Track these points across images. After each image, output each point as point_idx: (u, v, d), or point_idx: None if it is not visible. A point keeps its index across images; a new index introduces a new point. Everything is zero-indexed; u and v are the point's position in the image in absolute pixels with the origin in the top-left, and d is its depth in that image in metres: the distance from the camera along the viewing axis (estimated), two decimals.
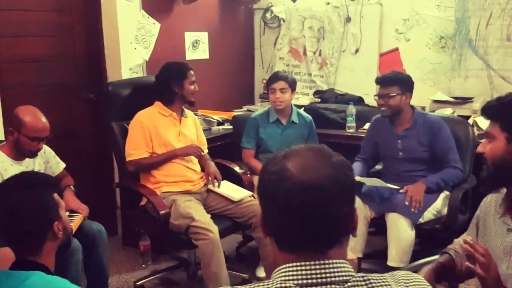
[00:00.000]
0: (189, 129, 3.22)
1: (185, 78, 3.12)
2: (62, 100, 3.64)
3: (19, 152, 2.58)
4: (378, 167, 3.47)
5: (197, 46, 4.45)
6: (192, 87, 3.16)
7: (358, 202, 3.12)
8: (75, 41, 3.71)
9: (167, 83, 3.12)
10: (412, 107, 3.23)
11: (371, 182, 3.05)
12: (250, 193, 3.09)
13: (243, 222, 2.99)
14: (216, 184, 3.10)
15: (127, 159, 3.02)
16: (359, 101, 4.16)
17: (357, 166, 3.32)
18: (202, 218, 2.76)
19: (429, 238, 3.09)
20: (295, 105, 4.65)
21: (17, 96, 3.32)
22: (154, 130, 3.06)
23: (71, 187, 2.83)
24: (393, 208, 2.96)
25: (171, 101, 3.15)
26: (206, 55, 4.56)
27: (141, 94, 3.26)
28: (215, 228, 2.73)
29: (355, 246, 3.11)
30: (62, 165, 2.91)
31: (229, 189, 3.10)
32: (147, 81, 3.31)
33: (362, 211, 3.09)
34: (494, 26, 3.97)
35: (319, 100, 4.41)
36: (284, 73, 3.61)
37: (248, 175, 3.45)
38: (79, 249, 2.50)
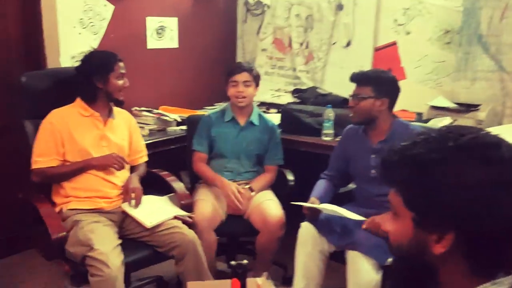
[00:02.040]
0: (117, 132, 2.67)
1: (111, 70, 2.57)
2: None
3: None
4: (352, 186, 2.86)
5: (162, 33, 3.88)
6: (121, 82, 2.61)
7: (312, 232, 2.53)
8: (8, 21, 3.18)
9: (88, 76, 2.57)
10: (394, 115, 2.60)
11: (329, 209, 2.45)
12: (172, 215, 2.52)
13: (165, 252, 2.43)
14: (133, 203, 2.53)
15: (32, 167, 2.49)
16: (342, 103, 3.51)
17: (320, 185, 2.72)
18: (102, 247, 2.21)
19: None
20: (269, 104, 4.13)
21: None
22: (67, 133, 2.52)
23: None
24: (354, 245, 2.35)
25: (94, 99, 2.60)
26: (174, 44, 3.99)
27: (64, 88, 2.70)
28: (115, 262, 2.18)
29: (308, 286, 2.53)
30: None
31: (146, 211, 2.53)
32: (73, 72, 2.73)
33: (318, 244, 2.51)
34: (509, 19, 3.28)
35: (298, 100, 3.80)
36: (248, 64, 3.02)
37: (201, 184, 2.91)
38: None
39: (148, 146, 3.19)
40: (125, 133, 2.72)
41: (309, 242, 2.53)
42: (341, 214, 2.41)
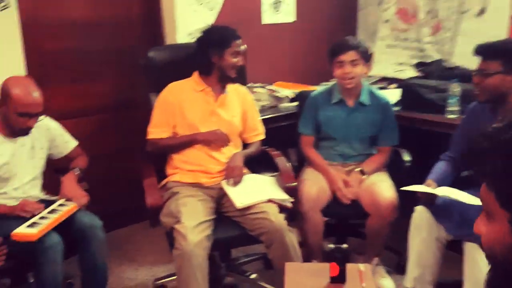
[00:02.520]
0: (228, 108, 2.64)
1: (227, 46, 2.53)
2: (116, 67, 3.29)
3: (10, 129, 2.26)
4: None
5: (278, 7, 3.80)
6: (235, 59, 2.56)
7: (427, 217, 2.31)
8: (132, 1, 3.30)
9: (205, 50, 2.56)
10: None
11: (446, 194, 2.21)
12: (266, 198, 2.42)
13: (256, 236, 2.36)
14: (231, 181, 2.49)
15: (147, 137, 2.57)
16: (471, 77, 3.16)
17: (439, 167, 2.47)
18: (187, 221, 2.21)
19: None
20: (391, 79, 3.85)
21: (62, 63, 3.06)
22: (179, 107, 2.55)
23: (75, 170, 2.46)
24: (472, 237, 2.10)
25: (208, 73, 2.60)
26: (291, 18, 3.89)
27: (185, 62, 2.72)
28: (195, 237, 2.17)
29: (423, 275, 2.33)
30: (72, 144, 2.56)
31: (243, 190, 2.46)
32: (193, 47, 2.73)
33: (434, 230, 2.29)
34: None
35: (421, 74, 3.51)
36: (354, 40, 2.78)
37: (308, 167, 2.81)
38: (55, 247, 2.12)
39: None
40: (238, 109, 2.68)
41: (424, 228, 2.32)
42: (459, 200, 2.17)
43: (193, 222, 2.22)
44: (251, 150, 2.71)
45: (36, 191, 2.39)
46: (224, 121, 2.61)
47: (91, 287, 2.35)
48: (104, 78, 3.25)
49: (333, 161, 2.82)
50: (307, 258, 2.74)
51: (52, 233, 2.15)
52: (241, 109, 2.70)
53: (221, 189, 2.50)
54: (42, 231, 2.09)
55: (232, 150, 2.62)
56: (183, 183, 2.49)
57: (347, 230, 3.02)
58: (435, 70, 3.50)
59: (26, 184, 2.34)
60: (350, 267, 1.89)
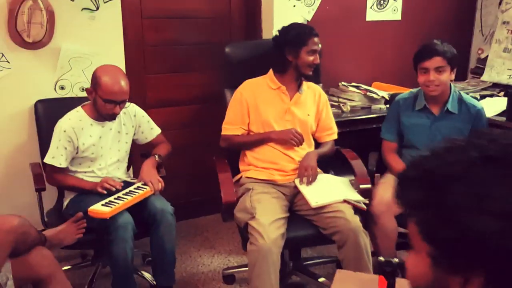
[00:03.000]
0: (303, 107, 2.62)
1: (303, 45, 2.51)
2: (212, 61, 3.39)
3: (98, 114, 2.45)
4: None
5: (384, 4, 3.65)
6: (311, 58, 2.53)
7: None
8: None
9: (281, 48, 2.57)
10: None
11: None
12: (341, 198, 2.36)
13: (328, 235, 2.31)
14: (305, 180, 2.45)
15: (221, 133, 2.63)
16: None
17: None
18: (263, 218, 2.22)
19: None
20: (505, 86, 3.53)
21: (160, 54, 3.23)
22: (253, 104, 2.57)
23: (156, 156, 2.60)
24: None
25: (284, 71, 2.60)
26: (397, 16, 3.73)
27: (262, 59, 2.76)
28: (271, 234, 2.17)
29: None
30: (157, 131, 2.70)
31: (317, 189, 2.42)
32: (271, 44, 2.77)
33: None
34: None
35: None
36: (441, 44, 2.56)
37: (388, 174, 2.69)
38: (126, 226, 2.26)
39: (345, 123, 3.10)
40: (312, 108, 2.65)
41: None
42: None
43: (268, 219, 2.24)
44: (324, 149, 2.67)
45: (119, 173, 2.56)
46: (299, 120, 2.59)
47: (160, 268, 2.47)
48: (200, 70, 3.37)
49: None
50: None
51: (125, 213, 2.30)
52: (315, 108, 2.66)
53: (295, 187, 2.49)
54: (115, 211, 2.25)
55: (306, 149, 2.60)
56: (257, 179, 2.51)
57: None
58: None
59: (110, 166, 2.52)
60: (400, 282, 1.78)
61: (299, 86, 2.62)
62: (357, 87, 3.44)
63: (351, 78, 3.58)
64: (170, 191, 3.28)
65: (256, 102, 2.57)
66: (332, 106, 3.27)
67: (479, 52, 3.93)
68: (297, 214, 2.44)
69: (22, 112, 2.74)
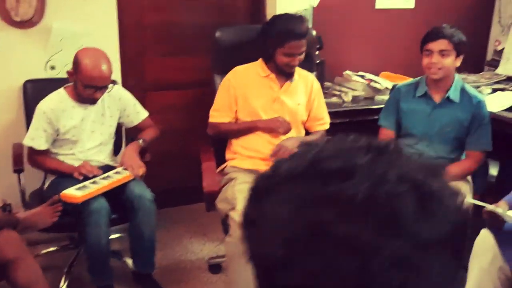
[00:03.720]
0: (294, 96, 2.52)
1: (280, 45, 2.40)
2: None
3: (79, 97, 2.40)
4: None
5: None
6: (286, 60, 2.42)
7: (490, 243, 1.98)
8: None
9: (265, 39, 2.47)
10: None
11: None
12: None
13: None
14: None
15: (209, 120, 2.56)
16: None
17: None
18: None
19: None
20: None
21: (159, 36, 3.16)
22: (242, 92, 2.48)
23: (140, 141, 2.54)
24: None
25: (270, 60, 2.50)
26: (410, 4, 3.57)
27: (251, 45, 2.65)
28: None
29: None
30: (143, 115, 2.64)
31: None
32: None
33: (497, 259, 1.95)
34: None
35: None
36: (450, 28, 2.43)
37: None
38: (99, 211, 2.22)
39: (345, 113, 2.99)
40: (303, 98, 2.55)
41: (485, 256, 1.99)
42: None
43: None
44: (312, 137, 2.56)
45: (101, 157, 2.52)
46: (288, 109, 2.50)
47: (138, 255, 2.43)
48: (199, 53, 3.29)
49: None
50: None
51: (100, 198, 2.26)
52: (306, 97, 2.56)
53: None
54: (88, 195, 2.21)
55: (289, 136, 2.49)
56: (241, 168, 2.44)
57: None
58: None
59: (92, 149, 2.48)
60: None
61: (288, 74, 2.52)
62: (362, 76, 3.31)
63: (358, 67, 3.44)
64: (167, 176, 3.27)
65: (244, 90, 2.49)
66: (333, 95, 3.16)
67: (496, 43, 3.73)
68: None
69: (11, 91, 2.71)
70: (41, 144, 2.37)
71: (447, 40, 2.36)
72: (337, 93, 3.16)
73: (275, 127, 2.42)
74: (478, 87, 3.37)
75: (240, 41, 2.71)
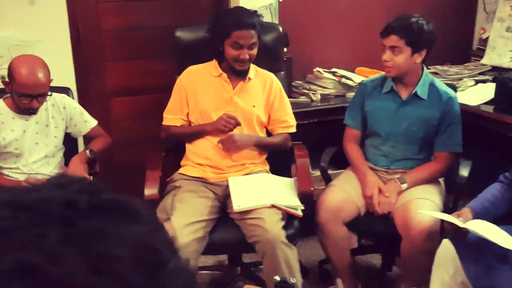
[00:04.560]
0: (248, 97, 2.37)
1: (226, 37, 2.26)
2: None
3: (17, 107, 2.28)
4: None
5: None
6: (236, 53, 2.26)
7: (452, 254, 1.80)
8: None
9: (214, 34, 2.33)
10: None
11: (476, 227, 1.70)
12: (269, 203, 2.10)
13: (252, 244, 2.06)
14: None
15: (162, 122, 2.43)
16: None
17: (489, 192, 1.91)
18: (178, 220, 2.00)
19: None
20: (506, 70, 3.12)
21: (120, 40, 3.02)
22: (193, 93, 2.35)
23: (88, 151, 2.42)
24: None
25: (222, 59, 2.36)
26: None
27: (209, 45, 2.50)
28: (182, 239, 1.93)
29: None
30: (92, 123, 2.51)
31: (248, 191, 2.16)
32: None
33: (459, 272, 1.78)
34: None
35: None
36: (409, 20, 2.23)
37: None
38: None
39: (313, 113, 2.83)
40: (260, 98, 2.39)
41: (447, 268, 1.82)
42: (491, 240, 1.64)
43: (183, 222, 2.02)
44: (272, 139, 2.43)
45: (49, 169, 2.38)
46: (242, 111, 2.34)
47: None
48: (163, 56, 3.15)
49: (377, 165, 2.39)
50: (333, 276, 2.42)
51: None
52: (264, 98, 2.40)
53: (228, 186, 2.25)
54: None
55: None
56: (188, 176, 2.30)
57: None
58: None
59: (37, 162, 2.35)
60: None
61: (242, 73, 2.36)
62: (333, 73, 3.14)
63: (332, 63, 3.27)
64: (128, 185, 3.12)
65: (195, 91, 2.35)
66: (302, 94, 3.00)
67: (481, 32, 3.53)
68: (230, 217, 2.20)
69: None
70: None
71: (397, 36, 2.18)
72: (307, 92, 3.00)
73: (220, 127, 2.27)
74: (460, 79, 3.19)
75: (201, 40, 2.54)
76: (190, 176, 2.29)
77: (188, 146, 2.39)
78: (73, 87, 2.80)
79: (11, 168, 2.33)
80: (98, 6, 2.95)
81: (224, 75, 2.35)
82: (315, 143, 2.65)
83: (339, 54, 3.33)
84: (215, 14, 2.37)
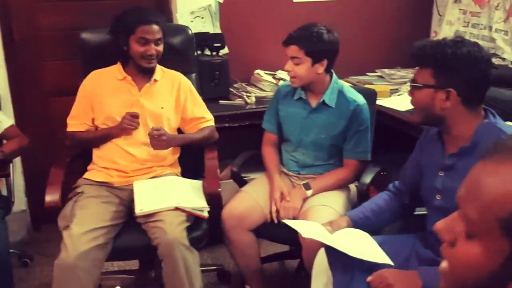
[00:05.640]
0: (155, 99, 2.33)
1: (131, 33, 2.22)
2: None
3: None
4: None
5: None
6: (143, 49, 2.23)
7: (325, 267, 1.76)
8: None
9: (115, 37, 2.31)
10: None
11: (331, 240, 1.66)
12: (172, 205, 2.06)
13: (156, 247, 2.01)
14: (141, 183, 2.21)
15: (67, 129, 2.39)
16: None
17: (374, 201, 1.87)
18: (77, 227, 1.96)
19: None
20: None
21: (57, 39, 3.01)
22: (98, 97, 2.31)
23: None
24: None
25: (126, 61, 2.33)
26: None
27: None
28: (79, 247, 1.90)
29: None
30: (6, 124, 2.50)
31: (153, 194, 2.13)
32: None
33: (331, 285, 1.73)
34: None
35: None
36: (310, 29, 2.16)
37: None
38: None
39: (246, 116, 2.79)
40: (169, 99, 2.36)
41: (322, 275, 1.77)
42: (347, 253, 1.60)
43: (82, 229, 1.97)
44: (198, 134, 2.39)
45: None
46: (150, 113, 2.31)
47: None
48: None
49: (289, 169, 2.35)
50: (242, 283, 2.38)
51: None
52: (173, 99, 2.37)
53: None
54: None
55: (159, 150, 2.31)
56: (93, 181, 2.25)
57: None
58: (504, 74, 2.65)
59: None
60: None
61: (147, 75, 2.34)
62: (272, 75, 3.10)
63: (278, 65, 3.21)
64: None
65: (100, 95, 2.31)
66: (238, 97, 2.97)
67: (433, 35, 3.46)
68: (137, 221, 2.16)
69: None
70: None
71: (297, 47, 2.13)
72: (243, 94, 2.96)
73: (125, 126, 2.24)
74: (404, 83, 3.13)
75: (104, 43, 2.45)
76: (94, 181, 2.25)
77: (94, 151, 2.34)
78: (6, 89, 2.83)
79: None
80: (34, 5, 2.94)
81: (129, 77, 2.31)
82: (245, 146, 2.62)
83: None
84: (114, 15, 2.33)
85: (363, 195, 2.16)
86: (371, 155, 2.28)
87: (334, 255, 1.70)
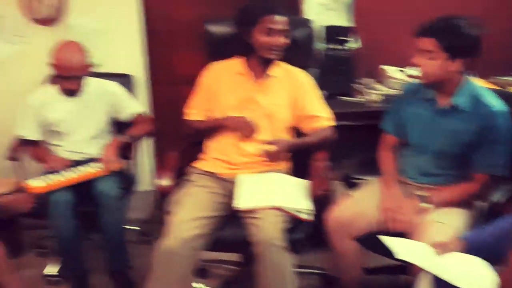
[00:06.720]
0: (272, 95, 2.26)
1: (254, 24, 2.15)
2: None
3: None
4: None
5: None
6: (268, 39, 2.16)
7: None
8: None
9: (239, 29, 2.25)
10: None
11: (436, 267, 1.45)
12: (273, 205, 2.00)
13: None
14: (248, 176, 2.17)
15: (184, 117, 2.43)
16: None
17: (501, 225, 1.61)
18: (180, 215, 2.00)
19: None
20: None
21: (192, 30, 3.07)
22: (215, 89, 2.30)
23: (124, 136, 2.53)
24: None
25: (247, 54, 2.27)
26: None
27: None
28: (182, 234, 1.93)
29: None
30: (135, 110, 2.63)
31: (257, 189, 2.09)
32: None
33: None
34: None
35: None
36: (451, 20, 1.89)
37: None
38: (62, 203, 2.26)
39: (359, 115, 2.67)
40: (284, 96, 2.27)
41: None
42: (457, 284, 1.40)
43: (185, 217, 2.00)
44: (305, 139, 2.30)
45: (91, 150, 2.53)
46: (263, 110, 2.25)
47: (108, 252, 2.42)
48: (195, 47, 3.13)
49: (408, 176, 2.13)
50: None
51: (64, 190, 2.30)
52: (289, 96, 2.28)
53: None
54: (48, 187, 2.27)
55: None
56: (201, 171, 2.27)
57: None
58: None
59: (81, 141, 2.52)
60: None
61: (266, 70, 2.27)
62: (401, 71, 2.86)
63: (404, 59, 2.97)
64: None
65: (217, 88, 2.31)
66: (361, 94, 2.80)
67: None
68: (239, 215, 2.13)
69: (35, 86, 2.88)
70: (28, 134, 2.50)
71: (434, 39, 1.88)
72: (368, 91, 2.79)
73: (238, 128, 2.22)
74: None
75: (229, 34, 2.42)
76: (202, 170, 2.27)
77: (207, 141, 2.36)
78: (141, 74, 2.99)
79: (57, 146, 2.54)
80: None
81: (248, 71, 2.28)
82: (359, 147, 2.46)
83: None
84: (239, 7, 2.28)
85: (490, 216, 1.88)
86: (509, 171, 1.97)
87: (442, 285, 1.50)
